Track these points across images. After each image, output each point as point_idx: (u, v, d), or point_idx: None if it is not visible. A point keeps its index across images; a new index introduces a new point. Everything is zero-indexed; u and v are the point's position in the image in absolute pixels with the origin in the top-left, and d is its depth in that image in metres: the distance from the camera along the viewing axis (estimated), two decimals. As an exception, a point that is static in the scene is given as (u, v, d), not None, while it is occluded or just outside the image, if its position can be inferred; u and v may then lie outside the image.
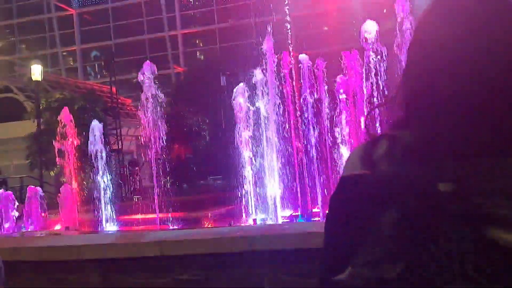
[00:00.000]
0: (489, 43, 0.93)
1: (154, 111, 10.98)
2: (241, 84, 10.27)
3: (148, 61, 11.36)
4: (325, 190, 10.09)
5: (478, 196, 0.87)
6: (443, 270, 0.85)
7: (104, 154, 11.55)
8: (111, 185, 11.50)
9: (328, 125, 10.69)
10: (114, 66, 28.85)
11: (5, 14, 46.74)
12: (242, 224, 9.09)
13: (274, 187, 9.82)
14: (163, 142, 11.05)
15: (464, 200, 0.87)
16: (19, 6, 47.11)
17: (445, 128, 0.93)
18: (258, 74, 10.12)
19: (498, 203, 0.86)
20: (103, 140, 11.75)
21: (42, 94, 24.70)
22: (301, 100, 10.93)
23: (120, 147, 26.47)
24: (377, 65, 9.51)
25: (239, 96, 10.11)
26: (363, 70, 9.78)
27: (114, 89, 28.07)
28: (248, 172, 10.08)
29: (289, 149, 10.59)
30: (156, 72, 11.28)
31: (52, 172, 21.66)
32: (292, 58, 11.16)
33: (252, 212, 9.81)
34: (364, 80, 9.93)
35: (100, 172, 11.38)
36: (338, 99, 10.57)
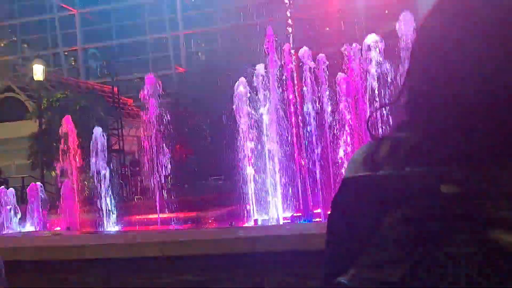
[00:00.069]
0: (494, 44, 0.92)
1: (156, 116, 11.02)
2: (242, 78, 10.28)
3: (151, 75, 11.38)
4: (327, 191, 10.09)
5: (482, 199, 0.86)
6: (447, 273, 0.85)
7: (105, 155, 11.55)
8: (112, 186, 11.51)
9: (329, 123, 10.70)
10: (116, 66, 28.91)
11: (7, 13, 46.84)
12: (244, 225, 9.10)
13: (275, 188, 9.82)
14: (164, 142, 11.07)
15: (468, 203, 0.86)
16: (21, 6, 47.22)
17: (448, 129, 0.93)
18: (260, 70, 10.12)
19: (502, 205, 0.85)
20: (105, 146, 11.73)
21: (44, 94, 24.75)
22: (303, 98, 10.93)
23: (121, 147, 26.51)
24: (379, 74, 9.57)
25: (240, 92, 10.12)
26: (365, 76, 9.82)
27: (115, 89, 28.14)
28: (249, 173, 10.09)
29: (291, 151, 10.59)
30: (160, 88, 11.31)
31: (53, 172, 21.69)
32: (294, 59, 11.14)
33: (253, 213, 9.81)
34: (366, 80, 9.96)
35: (101, 173, 11.38)
36: (339, 99, 10.57)
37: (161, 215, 10.49)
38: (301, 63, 10.79)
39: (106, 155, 11.70)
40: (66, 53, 47.97)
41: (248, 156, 10.19)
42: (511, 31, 0.93)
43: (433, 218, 0.88)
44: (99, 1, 46.03)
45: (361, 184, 0.99)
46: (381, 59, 9.68)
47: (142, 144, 12.19)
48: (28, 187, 12.17)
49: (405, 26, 8.78)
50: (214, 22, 43.21)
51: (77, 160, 12.42)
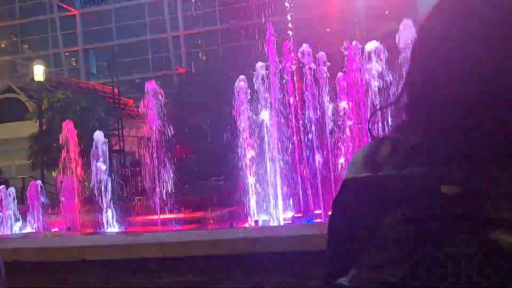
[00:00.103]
0: (494, 44, 0.93)
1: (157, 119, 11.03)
2: (241, 76, 10.28)
3: (152, 81, 11.38)
4: (327, 191, 10.09)
5: (482, 199, 0.86)
6: (447, 274, 0.85)
7: (106, 158, 11.54)
8: (112, 186, 11.50)
9: (330, 125, 10.70)
10: (117, 67, 28.94)
11: (8, 14, 46.86)
12: (244, 226, 9.10)
13: (276, 189, 9.82)
14: (164, 143, 11.08)
15: (468, 203, 0.86)
16: (21, 6, 47.24)
17: (448, 130, 0.93)
18: (260, 69, 10.12)
19: (502, 205, 0.85)
20: (105, 152, 11.71)
21: (45, 94, 24.75)
22: (303, 100, 10.93)
23: (122, 147, 26.52)
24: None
25: (240, 91, 10.13)
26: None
27: (116, 89, 28.14)
28: (249, 174, 10.09)
29: (292, 149, 10.58)
30: (163, 100, 11.30)
31: (53, 172, 21.69)
32: (295, 62, 11.14)
33: (253, 213, 9.81)
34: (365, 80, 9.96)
35: (101, 174, 11.38)
36: (339, 99, 10.58)
37: (161, 216, 10.49)
38: (301, 64, 10.79)
39: (106, 158, 11.68)
40: (66, 53, 47.98)
41: (249, 157, 10.19)
42: (511, 31, 0.93)
43: (433, 218, 0.88)
44: (100, 1, 46.05)
45: (362, 185, 0.99)
46: (380, 68, 9.70)
47: (143, 145, 12.20)
48: (29, 186, 12.18)
49: (405, 35, 8.78)
50: (215, 23, 43.24)
51: (77, 161, 12.42)
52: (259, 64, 10.23)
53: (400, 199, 0.91)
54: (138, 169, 24.74)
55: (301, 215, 9.80)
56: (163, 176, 11.23)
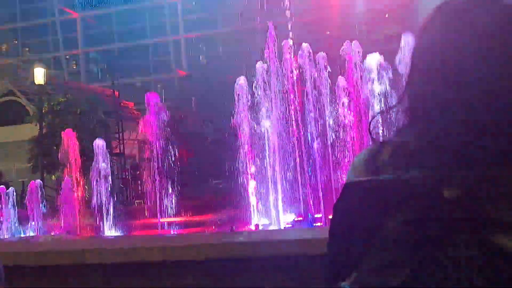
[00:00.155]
0: (492, 49, 0.93)
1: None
2: (242, 77, 10.28)
3: (152, 92, 11.37)
4: (328, 195, 10.07)
5: (483, 203, 0.86)
6: (449, 277, 0.85)
7: (106, 164, 11.51)
8: (112, 190, 11.49)
9: (330, 127, 10.70)
10: (117, 70, 28.95)
11: (9, 17, 46.94)
12: (245, 229, 9.08)
13: (276, 192, 9.81)
14: (165, 146, 11.07)
15: (469, 206, 0.87)
16: (23, 10, 47.31)
17: (449, 133, 0.93)
18: (259, 69, 10.12)
19: (504, 209, 0.85)
20: (107, 158, 11.67)
21: (45, 97, 24.75)
22: (303, 103, 10.92)
23: (122, 150, 26.50)
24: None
25: (241, 92, 10.13)
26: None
27: (116, 92, 28.13)
28: (250, 177, 10.08)
29: (292, 153, 10.57)
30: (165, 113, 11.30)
31: (53, 176, 21.69)
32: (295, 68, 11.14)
33: (254, 217, 9.79)
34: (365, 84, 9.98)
35: (102, 177, 11.36)
36: (339, 102, 10.57)
37: (161, 219, 10.47)
38: (301, 69, 10.79)
39: (107, 163, 11.65)
40: (67, 56, 48.03)
41: (249, 160, 10.18)
42: (508, 37, 0.94)
43: (434, 221, 0.88)
44: (101, 5, 46.12)
45: (363, 188, 0.99)
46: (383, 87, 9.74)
47: (143, 148, 12.20)
48: (29, 186, 12.15)
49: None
50: (215, 26, 43.30)
51: (77, 165, 12.40)
52: (259, 64, 10.23)
53: (401, 202, 0.91)
54: (138, 172, 24.77)
55: (301, 218, 9.78)
56: (163, 179, 11.22)
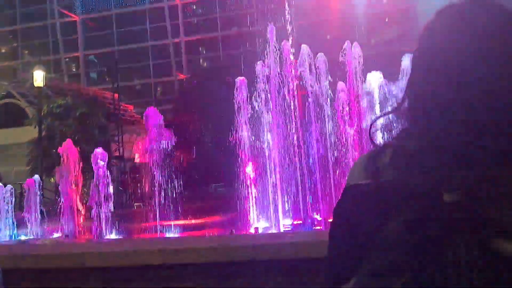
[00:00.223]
0: (492, 53, 0.94)
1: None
2: (241, 77, 10.29)
3: (152, 107, 11.35)
4: (327, 198, 10.08)
5: (483, 203, 0.86)
6: (449, 281, 0.85)
7: (106, 168, 11.47)
8: (112, 193, 11.46)
9: (331, 129, 10.71)
10: (117, 73, 28.94)
11: (8, 19, 46.95)
12: (244, 233, 9.08)
13: (276, 196, 9.81)
14: (165, 149, 11.07)
15: (470, 210, 0.87)
16: (22, 12, 47.32)
17: (450, 134, 0.93)
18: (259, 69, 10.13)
19: (504, 213, 0.85)
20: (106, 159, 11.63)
21: (44, 100, 24.74)
22: (303, 106, 10.94)
23: (121, 154, 26.48)
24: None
25: (241, 95, 10.13)
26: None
27: (116, 95, 28.12)
28: (250, 181, 10.07)
29: (292, 158, 10.58)
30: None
31: (52, 178, 21.64)
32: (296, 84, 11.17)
33: (254, 220, 9.79)
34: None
35: (101, 180, 11.33)
36: (339, 106, 10.59)
37: (161, 223, 10.46)
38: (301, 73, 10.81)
39: (106, 167, 11.61)
40: (67, 59, 48.02)
41: (250, 164, 10.18)
42: (508, 40, 0.94)
43: (434, 225, 0.88)
44: (101, 7, 46.14)
45: (363, 192, 0.99)
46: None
47: (142, 151, 12.16)
48: (26, 182, 12.10)
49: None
50: (216, 29, 43.33)
51: (77, 168, 12.36)
52: (259, 66, 10.25)
53: (401, 206, 0.91)
54: (138, 175, 24.74)
55: (301, 222, 9.78)
56: (162, 182, 11.22)
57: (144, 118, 11.67)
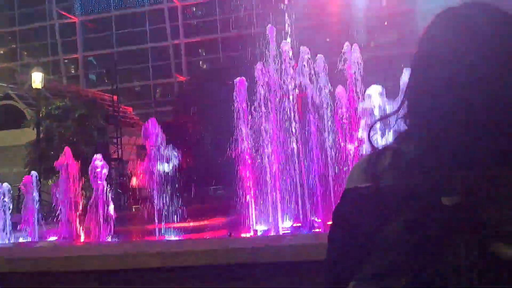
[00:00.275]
0: (491, 55, 0.94)
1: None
2: (240, 78, 10.31)
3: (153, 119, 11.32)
4: (326, 201, 10.07)
5: (483, 204, 0.86)
6: (449, 281, 0.85)
7: (104, 170, 11.44)
8: (110, 195, 11.43)
9: (331, 132, 10.72)
10: (116, 75, 28.92)
11: (7, 21, 46.94)
12: (243, 235, 9.07)
13: (275, 198, 9.80)
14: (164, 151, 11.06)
15: (469, 214, 0.87)
16: (21, 13, 47.32)
17: (449, 140, 0.93)
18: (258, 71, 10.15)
19: (503, 217, 0.85)
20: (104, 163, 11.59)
21: (43, 101, 24.71)
22: (303, 108, 10.95)
23: (120, 155, 26.46)
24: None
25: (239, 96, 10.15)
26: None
27: (115, 97, 28.11)
28: (249, 183, 10.07)
29: (291, 160, 10.58)
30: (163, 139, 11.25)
31: (50, 181, 21.59)
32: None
33: (253, 223, 9.78)
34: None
35: (99, 183, 11.31)
36: (337, 109, 10.61)
37: (159, 225, 10.45)
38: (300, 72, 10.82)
39: (105, 170, 11.58)
40: (66, 60, 48.01)
41: (248, 166, 10.18)
42: (507, 43, 0.95)
43: (434, 228, 0.88)
44: (100, 9, 46.16)
45: (362, 195, 0.99)
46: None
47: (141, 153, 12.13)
48: (23, 181, 12.05)
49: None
50: (215, 31, 43.37)
51: (75, 170, 12.32)
52: (259, 66, 10.27)
53: (400, 209, 0.91)
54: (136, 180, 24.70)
55: (300, 224, 9.77)
56: (161, 184, 11.21)
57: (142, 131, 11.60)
